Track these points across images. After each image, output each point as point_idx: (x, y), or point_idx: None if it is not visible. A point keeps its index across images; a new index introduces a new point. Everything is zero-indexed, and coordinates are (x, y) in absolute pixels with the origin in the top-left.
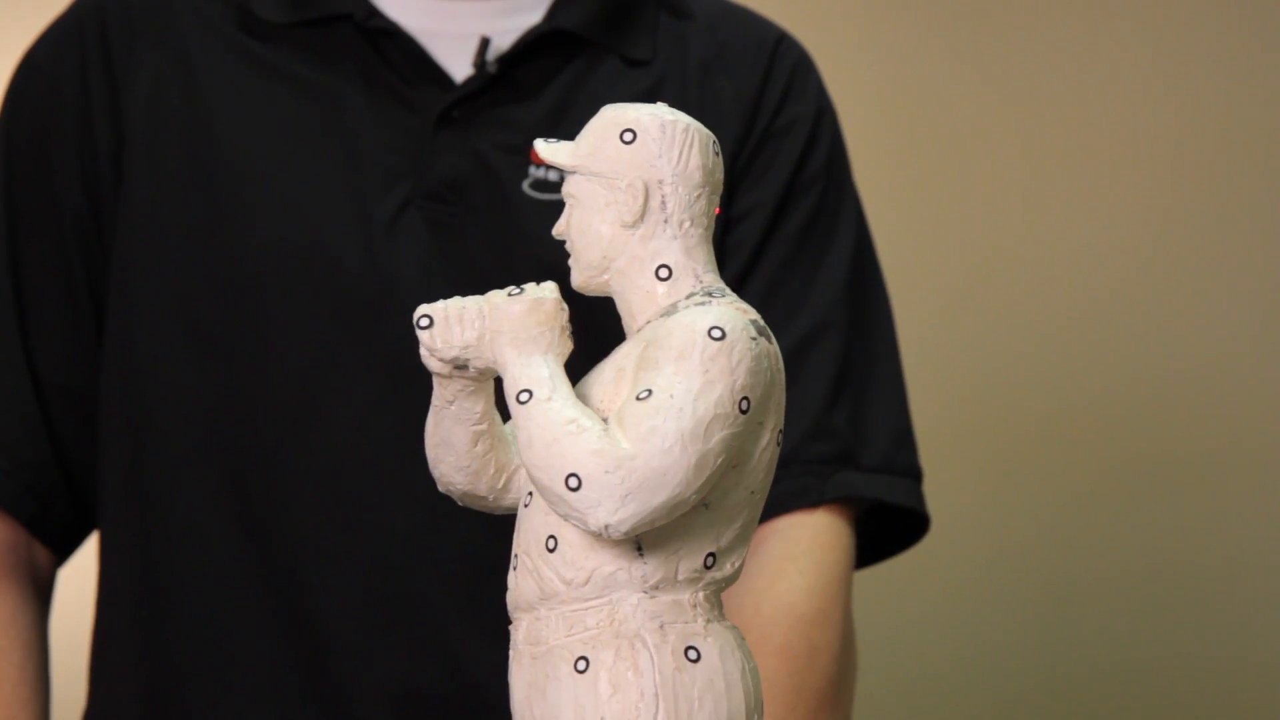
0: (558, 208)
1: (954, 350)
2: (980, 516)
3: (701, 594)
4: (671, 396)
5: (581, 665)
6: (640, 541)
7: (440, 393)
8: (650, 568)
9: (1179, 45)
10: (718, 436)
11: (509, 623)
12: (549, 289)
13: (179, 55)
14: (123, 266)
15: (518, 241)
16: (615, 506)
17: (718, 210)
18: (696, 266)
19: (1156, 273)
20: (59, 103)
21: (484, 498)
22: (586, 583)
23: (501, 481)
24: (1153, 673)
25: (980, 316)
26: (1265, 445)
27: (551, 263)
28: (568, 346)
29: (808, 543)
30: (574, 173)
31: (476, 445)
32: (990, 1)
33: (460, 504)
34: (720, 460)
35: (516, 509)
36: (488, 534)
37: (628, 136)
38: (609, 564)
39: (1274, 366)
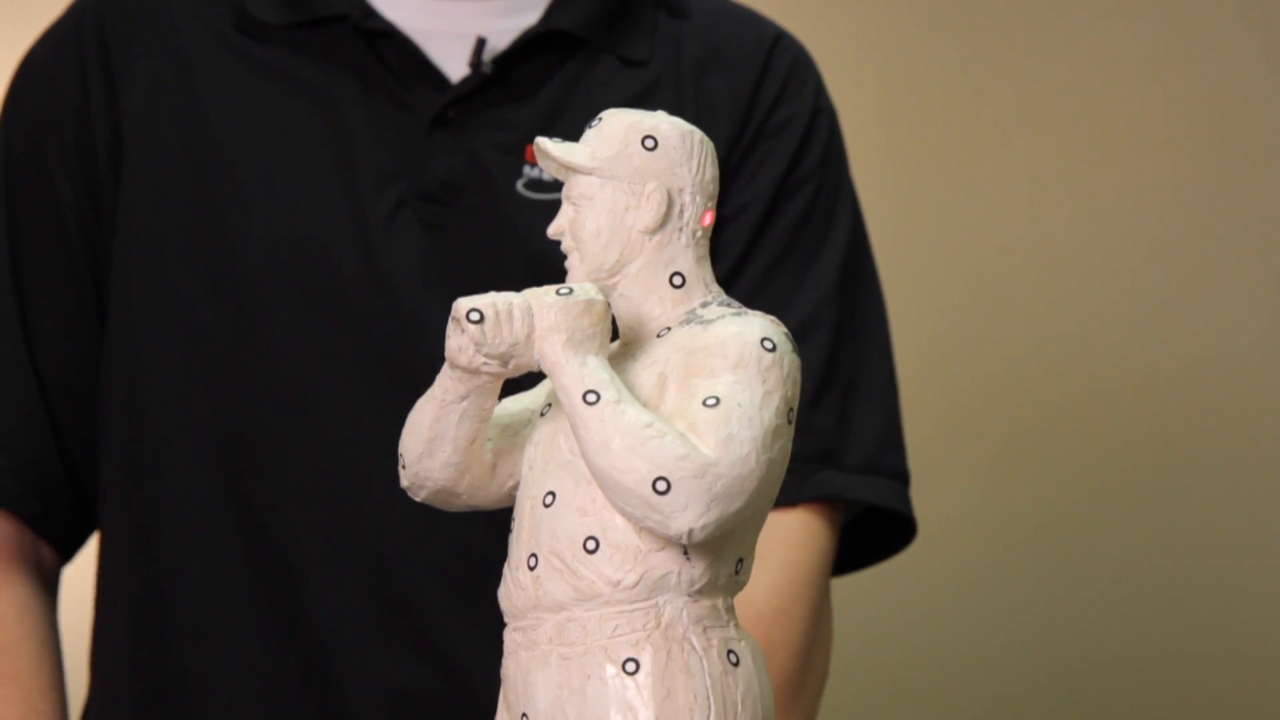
0: (552, 207)
1: (956, 349)
2: (982, 516)
3: (729, 599)
4: (740, 405)
5: (631, 667)
6: (686, 546)
7: (453, 388)
8: (697, 572)
9: (1180, 43)
10: (778, 445)
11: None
12: (595, 290)
13: (176, 55)
14: (122, 264)
15: (511, 241)
16: (701, 512)
17: (712, 217)
18: (705, 275)
19: (1159, 271)
20: (58, 101)
21: (458, 495)
22: (636, 585)
23: (484, 478)
24: (1156, 672)
25: (982, 315)
26: (1266, 445)
27: (545, 262)
28: (609, 349)
29: (776, 541)
30: (590, 175)
31: (474, 441)
32: (990, 1)
33: (419, 500)
34: (782, 469)
35: (483, 506)
36: (484, 535)
37: (649, 143)
38: (660, 567)
39: (1275, 365)
